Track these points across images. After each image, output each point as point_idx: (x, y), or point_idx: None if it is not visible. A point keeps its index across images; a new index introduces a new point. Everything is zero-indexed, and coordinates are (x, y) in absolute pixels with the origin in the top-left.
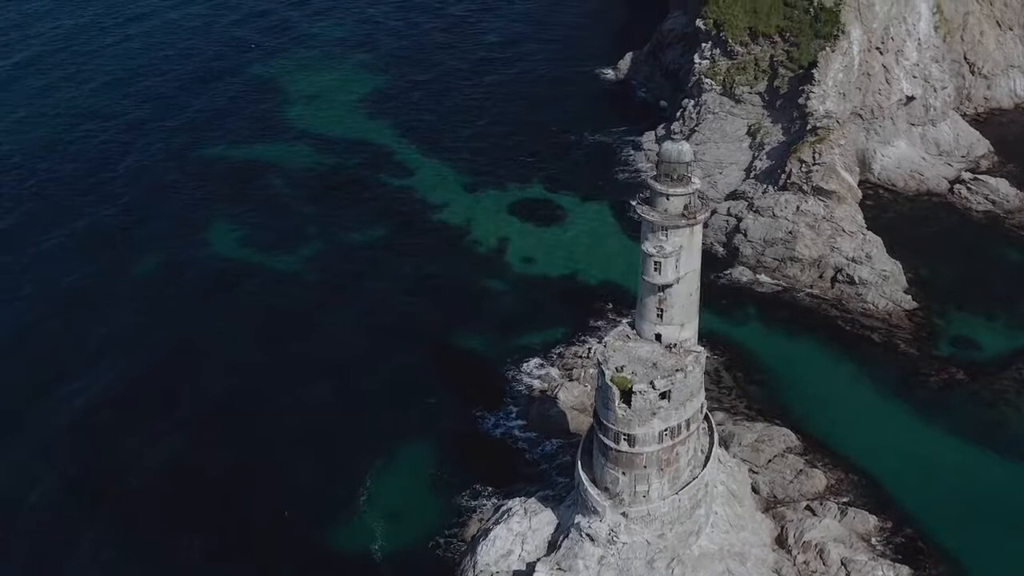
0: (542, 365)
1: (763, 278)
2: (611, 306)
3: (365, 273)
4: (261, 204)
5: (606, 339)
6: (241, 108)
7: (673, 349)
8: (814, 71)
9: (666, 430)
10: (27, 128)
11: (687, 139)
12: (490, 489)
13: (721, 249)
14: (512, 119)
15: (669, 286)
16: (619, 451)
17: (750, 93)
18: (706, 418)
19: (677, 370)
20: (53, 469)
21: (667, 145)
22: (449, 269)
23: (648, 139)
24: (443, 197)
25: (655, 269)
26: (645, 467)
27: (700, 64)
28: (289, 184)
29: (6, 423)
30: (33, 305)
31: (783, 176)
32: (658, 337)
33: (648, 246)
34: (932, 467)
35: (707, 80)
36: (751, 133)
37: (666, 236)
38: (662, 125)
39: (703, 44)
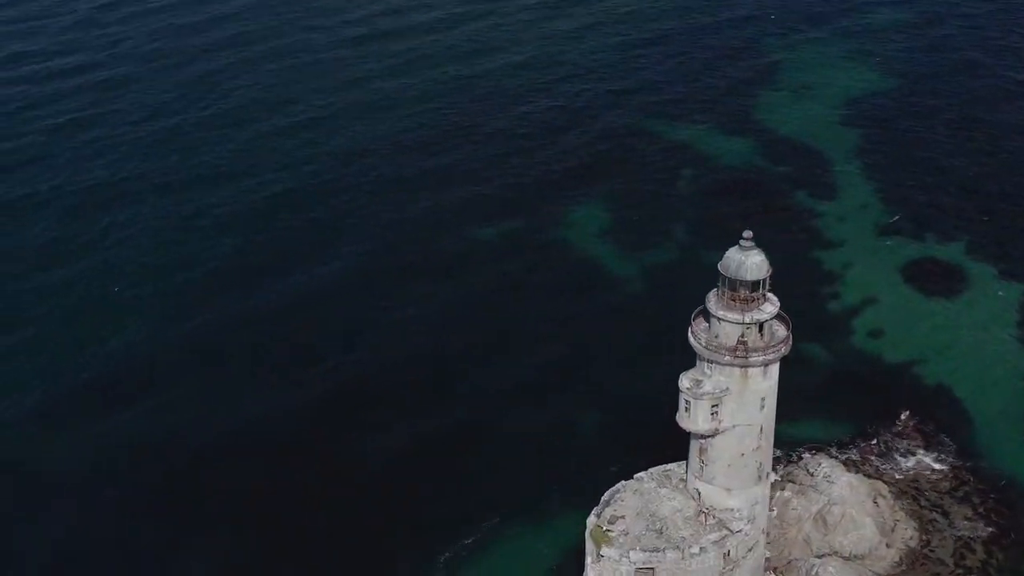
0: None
1: None
2: (912, 422)
3: (682, 303)
4: (651, 194)
5: (637, 475)
6: (713, 84)
7: (702, 516)
8: None
9: None
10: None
11: None
12: None
13: None
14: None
15: (705, 437)
16: None
17: None
18: None
19: (675, 548)
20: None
21: (731, 253)
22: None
23: None
24: (842, 232)
25: (685, 409)
26: None
27: None
28: (697, 178)
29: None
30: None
31: None
32: (699, 494)
33: (683, 378)
34: None
35: None
36: None
37: (710, 371)
38: None
39: None
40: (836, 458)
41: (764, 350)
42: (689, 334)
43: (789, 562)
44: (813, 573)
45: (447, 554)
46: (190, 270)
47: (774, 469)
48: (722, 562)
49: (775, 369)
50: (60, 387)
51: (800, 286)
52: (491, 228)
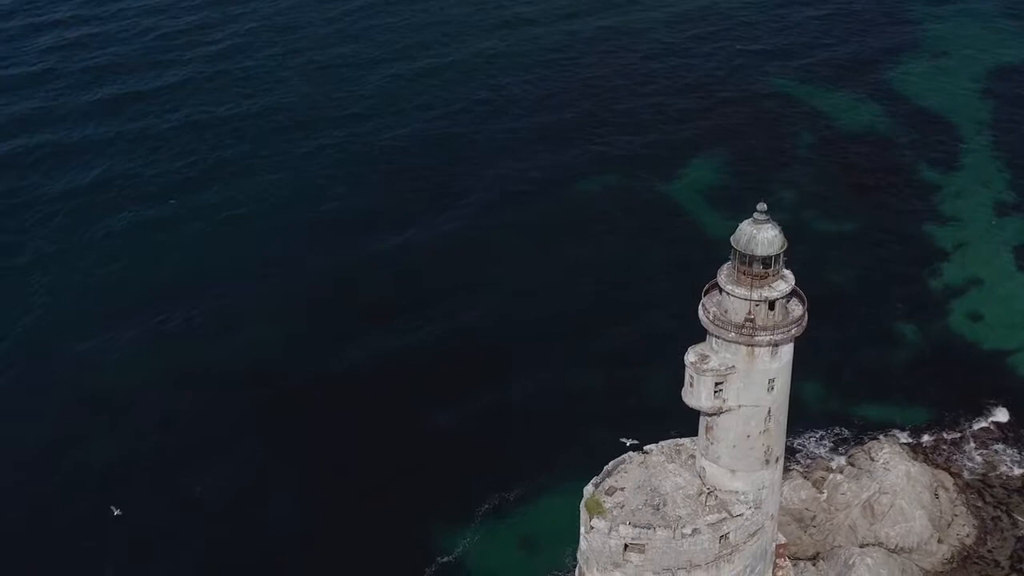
0: (820, 439)
1: None
2: (998, 414)
3: None
4: (770, 159)
5: (647, 447)
6: (853, 49)
7: (704, 496)
8: None
9: None
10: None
11: None
12: None
13: None
14: None
15: (709, 415)
16: None
17: None
18: None
19: (665, 527)
20: None
21: (744, 226)
22: (871, 297)
23: None
24: (957, 208)
25: (689, 383)
26: None
27: None
28: (819, 143)
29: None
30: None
31: None
32: (705, 472)
33: (690, 352)
34: None
35: None
36: None
37: (717, 347)
38: None
39: None
40: (906, 444)
41: (773, 329)
42: (700, 307)
43: (832, 548)
44: (851, 563)
45: (486, 506)
46: (301, 211)
47: (838, 450)
48: (718, 545)
49: (787, 350)
50: (160, 317)
51: (903, 261)
52: (597, 186)
